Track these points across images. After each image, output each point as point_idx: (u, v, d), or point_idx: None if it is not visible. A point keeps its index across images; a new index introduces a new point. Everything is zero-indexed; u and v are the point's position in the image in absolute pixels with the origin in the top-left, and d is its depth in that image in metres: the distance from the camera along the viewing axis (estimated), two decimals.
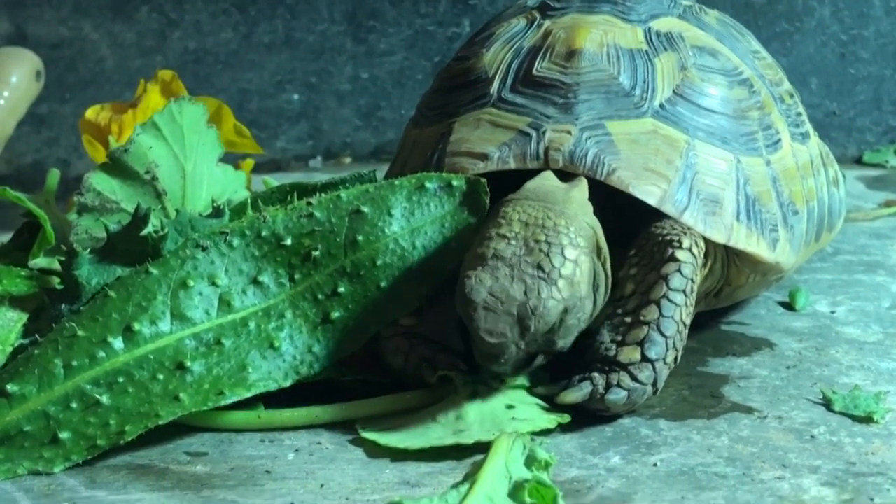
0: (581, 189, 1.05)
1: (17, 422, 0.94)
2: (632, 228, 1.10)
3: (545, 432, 0.98)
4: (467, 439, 0.95)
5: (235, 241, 1.03)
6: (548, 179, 1.05)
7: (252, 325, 1.01)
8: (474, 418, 0.98)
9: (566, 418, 0.99)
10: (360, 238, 1.03)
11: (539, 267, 0.95)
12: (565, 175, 1.07)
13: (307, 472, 0.94)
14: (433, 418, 0.99)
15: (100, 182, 1.16)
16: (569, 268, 0.96)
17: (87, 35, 2.06)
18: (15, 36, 2.03)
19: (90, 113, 1.39)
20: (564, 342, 0.98)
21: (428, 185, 1.06)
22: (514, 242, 0.97)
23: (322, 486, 0.92)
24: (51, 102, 2.02)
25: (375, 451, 0.97)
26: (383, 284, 1.04)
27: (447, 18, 2.10)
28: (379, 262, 1.04)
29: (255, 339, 1.01)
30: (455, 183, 1.06)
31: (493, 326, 0.94)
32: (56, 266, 1.12)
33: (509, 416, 0.98)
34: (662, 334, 1.01)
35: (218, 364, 0.99)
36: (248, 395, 1.00)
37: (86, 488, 0.92)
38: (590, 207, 1.04)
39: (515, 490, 0.84)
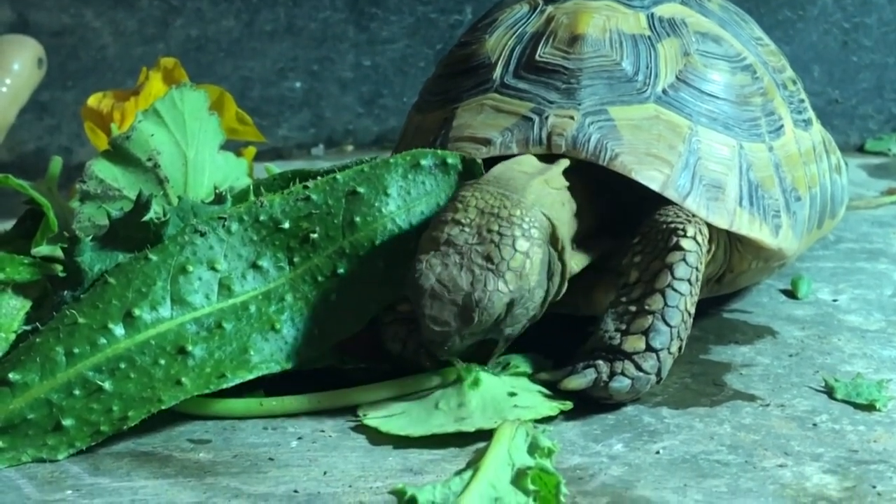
0: (550, 175, 1.05)
1: (20, 410, 0.94)
2: (631, 216, 1.10)
3: (548, 419, 0.98)
4: (469, 427, 0.96)
5: (234, 226, 1.03)
6: (520, 164, 1.05)
7: (253, 308, 1.01)
8: (476, 406, 0.98)
9: (568, 405, 1.00)
10: (357, 219, 1.04)
11: (488, 258, 0.96)
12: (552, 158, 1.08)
13: (310, 460, 0.94)
14: (435, 405, 0.99)
15: (102, 169, 1.16)
16: (518, 260, 0.96)
17: (88, 22, 2.06)
18: (17, 23, 2.02)
19: (92, 100, 1.39)
20: (512, 330, 0.99)
21: (423, 162, 1.06)
22: (467, 230, 0.97)
23: (325, 473, 0.92)
24: (53, 90, 2.02)
25: (378, 439, 0.97)
26: (382, 264, 1.04)
27: (449, 6, 2.10)
28: (377, 243, 1.04)
29: (256, 322, 1.01)
30: (450, 161, 1.07)
31: (437, 314, 0.94)
32: (59, 253, 1.12)
33: (511, 404, 0.99)
34: (667, 324, 1.01)
35: (219, 347, 0.99)
36: (251, 377, 1.00)
37: (89, 475, 0.92)
38: (555, 195, 1.03)
39: (518, 477, 0.84)
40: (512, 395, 1.00)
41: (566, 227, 1.03)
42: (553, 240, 1.01)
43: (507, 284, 0.95)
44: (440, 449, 0.95)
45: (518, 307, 0.97)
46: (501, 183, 1.01)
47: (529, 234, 0.97)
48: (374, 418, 0.99)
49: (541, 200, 1.01)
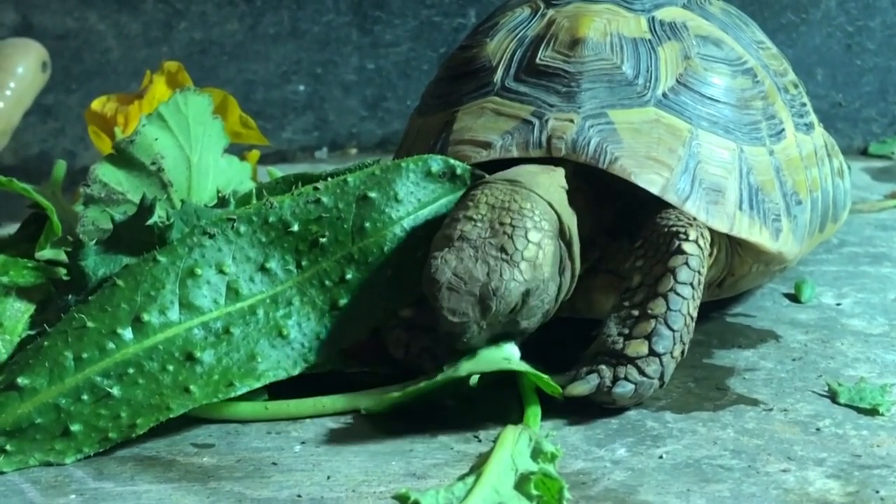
0: (554, 175, 1.06)
1: (28, 414, 0.94)
2: (631, 220, 1.10)
3: (551, 423, 0.98)
4: (461, 372, 0.97)
5: (242, 228, 1.03)
6: (526, 167, 1.07)
7: (260, 312, 1.01)
8: (468, 361, 0.99)
9: (558, 390, 1.00)
10: (367, 225, 1.04)
11: (502, 249, 0.97)
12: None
13: (314, 464, 0.94)
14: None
15: (106, 173, 1.16)
16: (531, 250, 0.98)
17: (92, 26, 2.06)
18: (21, 26, 2.03)
19: (96, 104, 1.39)
20: (528, 323, 1.00)
21: (434, 168, 1.06)
22: (479, 224, 0.99)
23: (329, 477, 0.92)
24: (57, 93, 2.02)
25: (380, 443, 0.97)
26: (390, 272, 1.04)
27: (453, 9, 2.10)
28: (386, 249, 1.04)
29: (263, 327, 1.01)
30: (459, 171, 1.07)
31: (455, 306, 0.96)
32: (62, 257, 1.12)
33: (502, 357, 0.99)
34: (670, 328, 1.01)
35: (227, 354, 0.99)
36: (258, 385, 1.00)
37: (93, 480, 0.93)
38: (561, 193, 1.05)
39: (521, 482, 0.84)
40: (506, 359, 1.00)
41: (574, 224, 1.04)
42: (563, 234, 1.02)
43: (523, 274, 0.97)
44: (444, 454, 0.95)
45: (533, 298, 0.99)
46: (510, 180, 1.03)
47: (541, 225, 0.99)
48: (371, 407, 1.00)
49: (550, 195, 1.02)
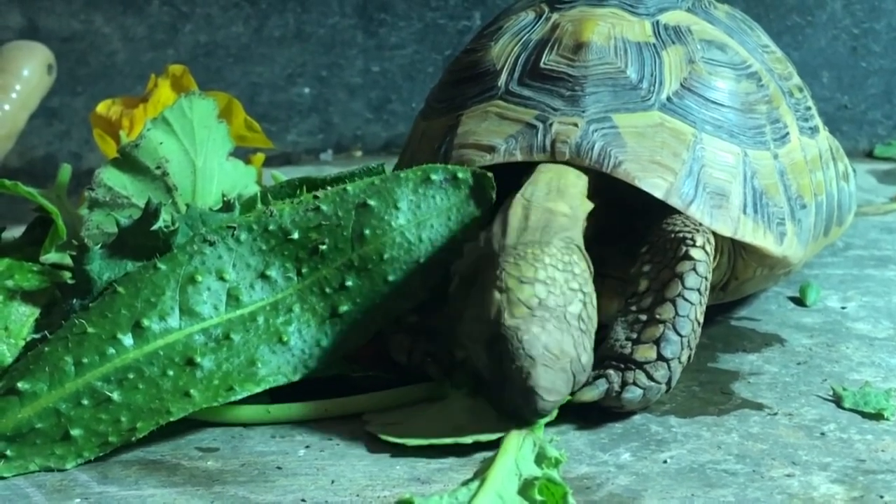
0: (580, 182, 1.06)
1: (28, 419, 0.95)
2: (631, 220, 1.10)
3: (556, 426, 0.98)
4: (467, 439, 0.95)
5: (243, 236, 1.03)
6: (565, 186, 1.05)
7: (260, 319, 1.01)
8: (470, 415, 0.98)
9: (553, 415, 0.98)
10: (367, 232, 1.04)
11: (580, 319, 0.95)
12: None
13: (318, 468, 0.94)
14: (436, 413, 0.99)
15: (110, 177, 1.16)
16: (594, 315, 0.97)
17: (98, 28, 2.06)
18: (27, 29, 2.03)
19: (101, 107, 1.39)
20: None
21: (434, 177, 1.06)
22: (554, 291, 0.94)
23: (333, 482, 0.92)
24: (62, 95, 2.03)
25: (384, 447, 0.97)
26: (391, 278, 1.04)
27: (458, 12, 2.10)
28: (386, 256, 1.04)
29: (263, 333, 1.01)
30: (461, 175, 1.07)
31: (551, 385, 0.93)
32: (67, 261, 1.12)
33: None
34: (678, 333, 1.01)
35: (227, 359, 0.99)
36: (258, 389, 1.00)
37: (98, 483, 0.93)
38: (585, 214, 1.04)
39: (525, 487, 0.84)
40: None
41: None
42: None
43: (593, 340, 0.96)
44: (447, 458, 0.95)
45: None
46: (559, 210, 1.01)
47: (589, 283, 0.97)
48: (375, 426, 0.99)
49: (577, 240, 1.00)
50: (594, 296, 0.98)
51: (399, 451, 0.96)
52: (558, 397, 0.93)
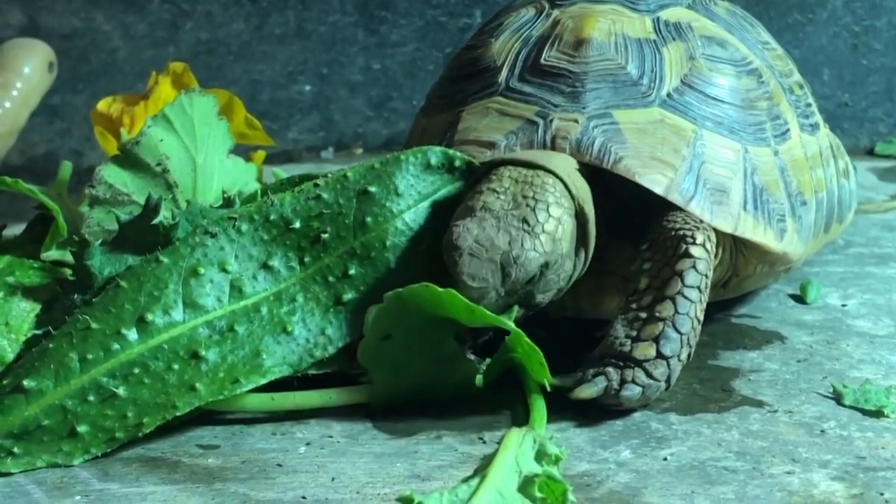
0: (568, 159, 1.08)
1: (34, 416, 0.95)
2: (634, 220, 1.10)
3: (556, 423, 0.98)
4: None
5: (244, 227, 1.03)
6: (540, 151, 1.08)
7: (264, 310, 1.01)
8: None
9: (548, 377, 1.00)
10: (368, 219, 1.04)
11: (524, 220, 0.99)
12: None
13: (318, 466, 0.94)
14: None
15: (111, 175, 1.16)
16: (552, 224, 1.00)
17: (99, 26, 2.06)
18: (28, 27, 2.03)
19: (102, 105, 1.39)
20: (543, 297, 1.02)
21: (433, 160, 1.07)
22: (502, 196, 1.01)
23: (333, 479, 0.92)
24: (63, 93, 2.03)
25: (384, 445, 0.97)
26: (393, 265, 1.04)
27: (458, 9, 2.10)
28: (388, 243, 1.04)
29: (267, 324, 1.01)
30: (457, 163, 1.07)
31: (475, 271, 0.98)
32: (68, 258, 1.12)
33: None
34: (678, 331, 1.01)
35: (232, 351, 0.99)
36: (264, 381, 1.00)
37: (98, 480, 0.93)
38: (577, 175, 1.06)
39: (525, 484, 0.84)
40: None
41: (589, 206, 1.05)
42: (579, 215, 1.04)
43: (543, 245, 0.99)
44: (448, 455, 0.95)
45: (551, 272, 1.01)
46: (528, 161, 1.05)
47: (561, 202, 1.02)
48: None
49: (567, 175, 1.04)
50: (567, 216, 1.02)
51: (401, 448, 0.96)
52: (484, 285, 0.97)
